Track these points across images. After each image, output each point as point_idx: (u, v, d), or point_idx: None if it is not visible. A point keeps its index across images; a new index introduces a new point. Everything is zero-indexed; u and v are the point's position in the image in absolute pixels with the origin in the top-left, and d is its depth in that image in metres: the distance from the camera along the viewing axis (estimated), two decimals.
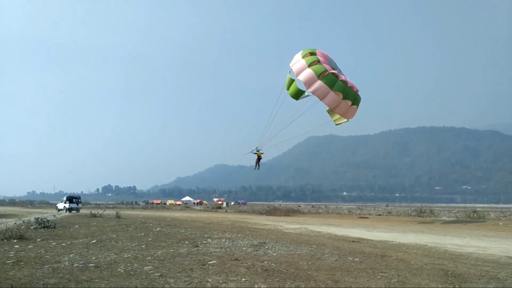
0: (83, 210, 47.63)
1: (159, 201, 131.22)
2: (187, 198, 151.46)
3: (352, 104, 24.81)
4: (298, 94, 26.19)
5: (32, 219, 22.64)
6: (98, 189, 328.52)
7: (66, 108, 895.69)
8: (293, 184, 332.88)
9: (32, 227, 18.22)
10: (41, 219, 19.73)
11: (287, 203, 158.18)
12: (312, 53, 25.55)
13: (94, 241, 13.51)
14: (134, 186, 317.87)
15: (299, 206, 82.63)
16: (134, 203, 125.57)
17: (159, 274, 7.81)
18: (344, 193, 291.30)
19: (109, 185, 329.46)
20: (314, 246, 12.90)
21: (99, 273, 7.83)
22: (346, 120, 25.93)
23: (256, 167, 31.11)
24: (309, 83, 24.09)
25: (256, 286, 6.98)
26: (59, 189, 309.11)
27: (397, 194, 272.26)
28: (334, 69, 25.12)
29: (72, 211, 43.82)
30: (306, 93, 25.66)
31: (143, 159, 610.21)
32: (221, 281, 7.27)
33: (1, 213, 39.62)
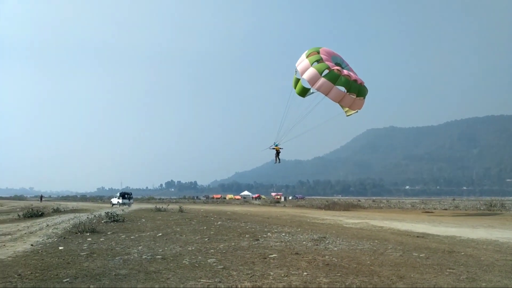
0: (148, 204, 50.61)
1: (219, 196, 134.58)
2: (245, 192, 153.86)
3: (357, 96, 25.95)
4: (304, 92, 28.21)
5: (103, 213, 24.00)
6: (161, 185, 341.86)
7: (133, 109, 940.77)
8: (352, 178, 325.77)
9: (103, 221, 19.22)
10: (111, 213, 20.85)
11: (347, 197, 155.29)
12: (316, 52, 26.80)
13: (160, 234, 14.10)
14: (195, 181, 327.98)
15: (359, 201, 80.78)
16: (195, 197, 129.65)
17: (222, 266, 8.03)
18: (407, 187, 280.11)
19: (171, 180, 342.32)
20: (376, 241, 12.60)
21: (166, 265, 8.20)
22: (355, 111, 27.27)
23: (276, 161, 32.27)
24: (313, 81, 25.59)
25: (318, 280, 6.96)
26: (125, 185, 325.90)
27: (465, 188, 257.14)
28: (339, 64, 26.47)
29: (124, 206, 47.48)
30: (311, 91, 27.33)
31: (203, 155, 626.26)
32: (282, 275, 7.33)
33: (74, 208, 42.36)
